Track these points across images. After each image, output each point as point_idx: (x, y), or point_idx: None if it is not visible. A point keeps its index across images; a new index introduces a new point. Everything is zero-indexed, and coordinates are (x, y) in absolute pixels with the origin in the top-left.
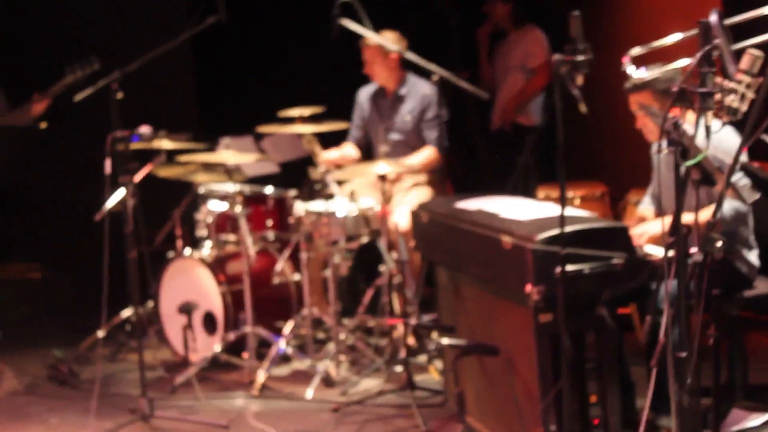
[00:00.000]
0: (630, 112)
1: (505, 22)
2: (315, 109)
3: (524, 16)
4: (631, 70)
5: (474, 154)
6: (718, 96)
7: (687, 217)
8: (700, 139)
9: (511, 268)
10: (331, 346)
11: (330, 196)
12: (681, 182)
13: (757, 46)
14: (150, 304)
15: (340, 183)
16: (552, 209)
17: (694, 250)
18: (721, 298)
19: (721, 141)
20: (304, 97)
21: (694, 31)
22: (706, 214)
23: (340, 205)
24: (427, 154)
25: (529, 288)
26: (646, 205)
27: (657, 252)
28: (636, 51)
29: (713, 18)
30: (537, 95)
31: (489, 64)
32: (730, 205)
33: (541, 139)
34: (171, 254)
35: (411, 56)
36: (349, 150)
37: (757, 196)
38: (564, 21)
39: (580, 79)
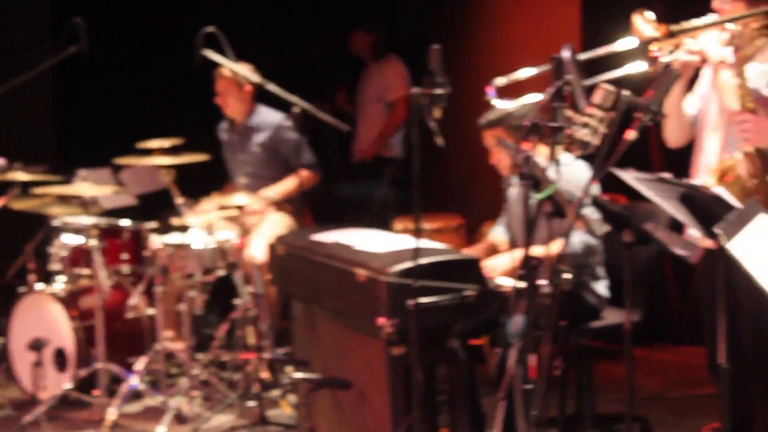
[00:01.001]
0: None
1: (365, 53)
2: (174, 141)
3: (385, 48)
4: (494, 100)
5: (334, 185)
6: (570, 130)
7: (538, 250)
8: (551, 173)
9: (364, 301)
10: (184, 382)
11: (186, 229)
12: (532, 215)
13: (609, 81)
14: None
15: (197, 215)
16: (408, 241)
17: (543, 282)
18: (569, 329)
19: (573, 174)
20: (163, 129)
21: (546, 66)
22: (557, 246)
23: (197, 238)
24: (300, 177)
25: (381, 321)
26: (498, 232)
27: (508, 284)
28: (500, 81)
29: (565, 53)
30: (399, 128)
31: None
32: (580, 239)
33: (400, 171)
34: (22, 289)
35: (271, 87)
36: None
37: (606, 228)
38: (425, 54)
39: (437, 112)
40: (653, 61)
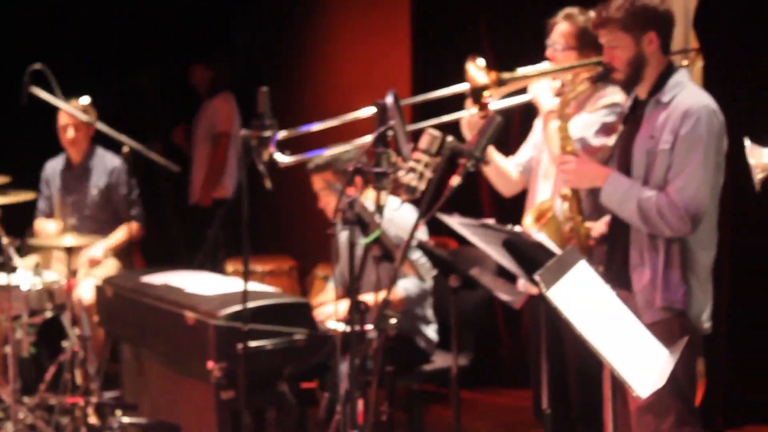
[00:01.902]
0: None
1: (203, 88)
2: (1, 179)
3: (222, 85)
4: (277, 155)
5: (166, 226)
6: (396, 175)
7: (367, 296)
8: (378, 217)
9: (193, 344)
10: (9, 426)
11: (13, 269)
12: (360, 260)
13: (438, 125)
14: None
15: (23, 255)
16: (238, 284)
17: (369, 327)
18: (397, 373)
19: (402, 218)
20: None
21: (372, 111)
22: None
23: (24, 279)
24: (130, 229)
25: (210, 364)
26: (333, 278)
27: (339, 328)
28: (282, 134)
29: (388, 99)
30: (224, 165)
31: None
32: (414, 284)
33: (232, 213)
34: None
35: (101, 127)
36: (46, 227)
37: (434, 272)
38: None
39: (266, 155)
40: (484, 107)
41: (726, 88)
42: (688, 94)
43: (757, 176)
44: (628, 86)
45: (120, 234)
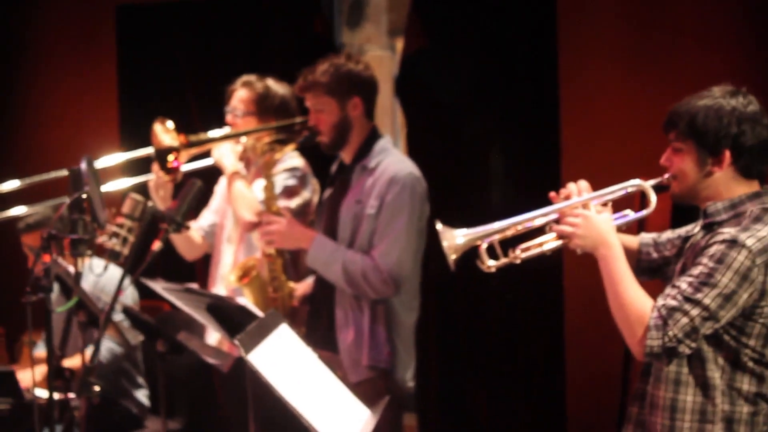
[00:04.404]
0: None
1: None
2: None
3: None
4: None
5: None
6: (101, 239)
7: (73, 361)
8: (82, 282)
9: None
10: None
11: None
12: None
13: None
14: None
15: None
16: None
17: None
18: None
19: (109, 281)
20: None
21: (64, 173)
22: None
23: None
24: None
25: None
26: (41, 345)
27: (45, 395)
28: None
29: (83, 165)
30: None
31: None
32: (106, 346)
33: None
34: None
35: None
36: None
37: (140, 338)
38: None
39: None
40: (173, 170)
41: (428, 154)
42: (393, 160)
43: (451, 257)
44: (332, 150)
45: None
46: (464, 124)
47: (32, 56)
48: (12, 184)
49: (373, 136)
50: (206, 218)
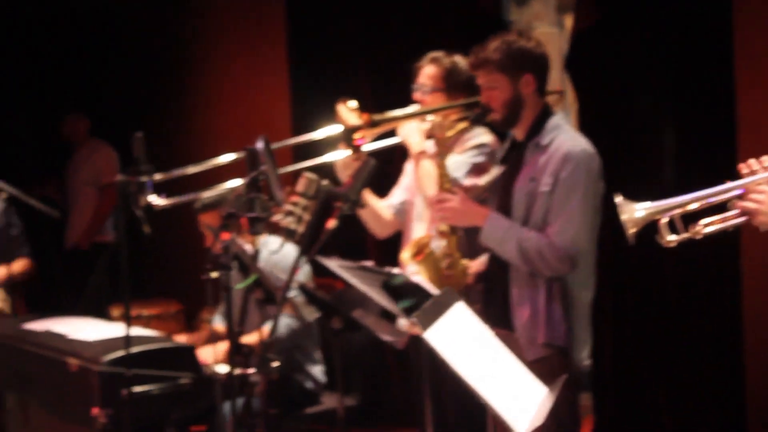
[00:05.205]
0: (201, 231)
1: (78, 137)
2: None
3: (95, 132)
4: (151, 197)
5: (49, 271)
6: (276, 218)
7: (250, 337)
8: (258, 260)
9: (77, 391)
10: None
11: None
12: (242, 302)
13: (314, 167)
14: None
15: None
16: (121, 329)
17: (252, 370)
18: (282, 415)
19: (283, 260)
20: None
21: (242, 155)
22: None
23: None
24: (24, 263)
25: (95, 411)
26: (218, 321)
27: (224, 371)
28: (157, 177)
29: (259, 144)
30: (109, 214)
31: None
32: (284, 322)
33: (115, 257)
34: None
35: None
36: None
37: (316, 315)
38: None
39: (143, 200)
40: (356, 148)
41: (600, 132)
42: (567, 137)
43: (630, 231)
44: (505, 127)
45: (20, 264)
46: (636, 100)
47: (204, 41)
48: (194, 168)
49: (545, 113)
50: (397, 196)
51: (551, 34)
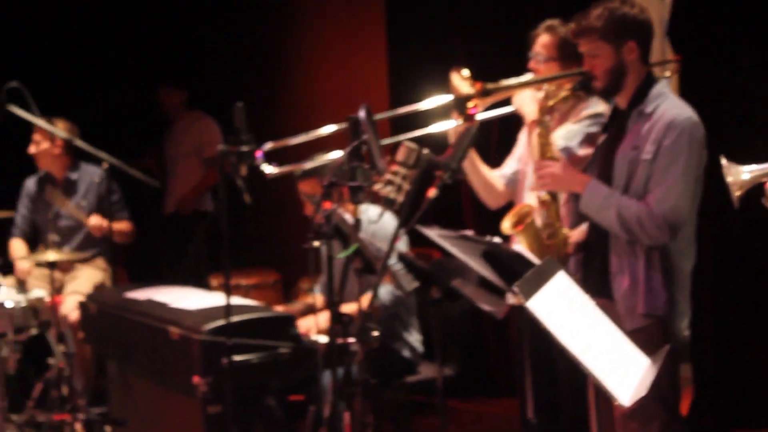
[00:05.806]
0: (300, 199)
1: (175, 109)
2: None
3: (195, 104)
4: (264, 165)
5: (148, 241)
6: (374, 187)
7: (349, 307)
8: (357, 230)
9: (179, 359)
10: None
11: None
12: (342, 272)
13: (412, 139)
14: None
15: (6, 273)
16: (221, 298)
17: (351, 339)
18: (382, 384)
19: (382, 229)
20: None
21: (344, 125)
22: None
23: (8, 296)
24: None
25: (196, 379)
26: (317, 290)
27: (323, 340)
28: (269, 146)
29: (361, 114)
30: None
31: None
32: (387, 289)
33: (214, 227)
34: None
35: (79, 143)
36: (18, 249)
37: (416, 284)
38: (229, 111)
39: (244, 170)
40: (470, 117)
41: (703, 99)
42: (671, 105)
43: (735, 194)
44: (608, 95)
45: (121, 225)
46: (740, 66)
47: (303, 14)
48: (301, 138)
49: (649, 80)
50: (509, 166)
51: (652, 0)
